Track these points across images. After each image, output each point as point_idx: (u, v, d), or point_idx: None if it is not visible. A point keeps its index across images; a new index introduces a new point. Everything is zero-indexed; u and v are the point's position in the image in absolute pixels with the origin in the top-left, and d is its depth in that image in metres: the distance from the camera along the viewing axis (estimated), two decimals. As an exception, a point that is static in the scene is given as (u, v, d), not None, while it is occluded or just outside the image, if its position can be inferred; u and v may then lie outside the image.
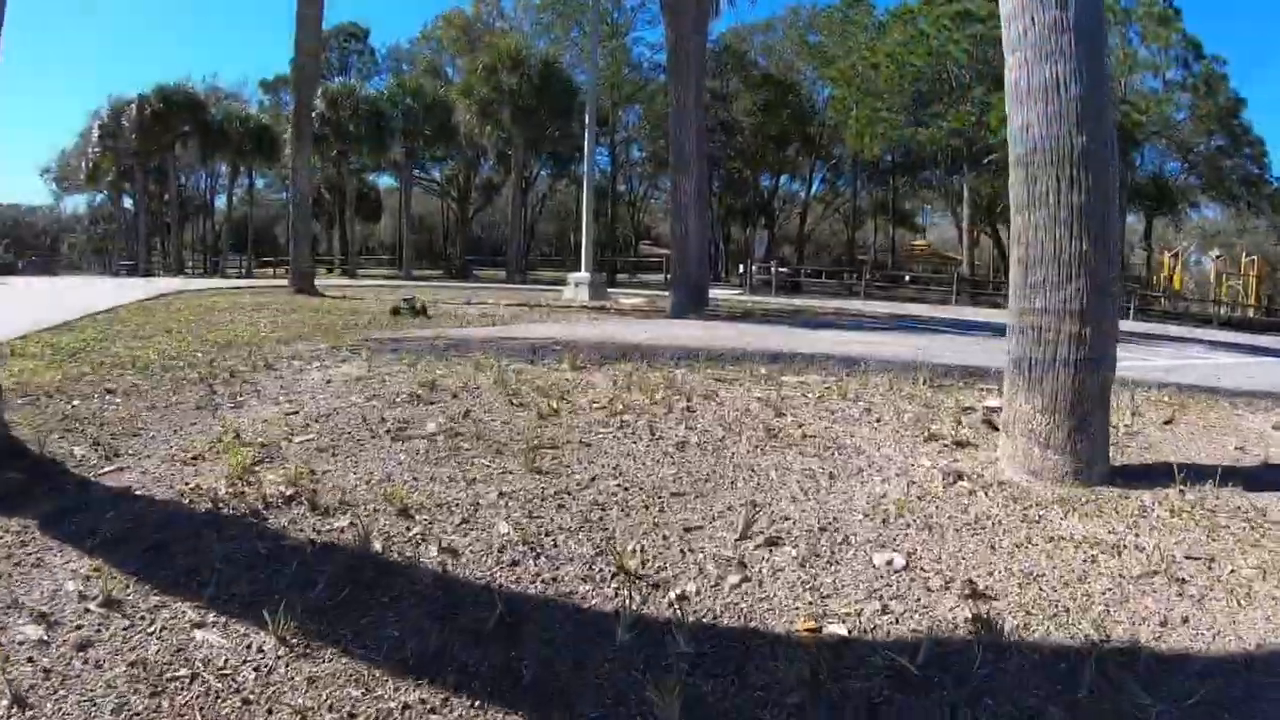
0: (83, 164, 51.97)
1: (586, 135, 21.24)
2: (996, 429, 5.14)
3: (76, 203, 67.73)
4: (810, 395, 5.94)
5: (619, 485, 3.86)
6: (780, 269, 39.50)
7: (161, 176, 50.85)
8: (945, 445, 4.69)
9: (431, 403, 5.52)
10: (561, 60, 41.35)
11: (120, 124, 46.41)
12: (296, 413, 5.18)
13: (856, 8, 47.56)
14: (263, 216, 56.35)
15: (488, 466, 4.10)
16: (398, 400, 5.56)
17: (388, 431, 4.75)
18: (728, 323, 12.59)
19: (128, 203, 55.03)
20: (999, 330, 14.55)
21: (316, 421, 4.94)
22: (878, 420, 5.23)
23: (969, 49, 36.35)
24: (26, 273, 45.52)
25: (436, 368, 6.88)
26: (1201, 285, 52.03)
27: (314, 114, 40.85)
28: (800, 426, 4.97)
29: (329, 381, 6.23)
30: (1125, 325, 22.47)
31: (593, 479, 3.94)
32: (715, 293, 20.82)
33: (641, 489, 3.83)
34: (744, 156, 52.36)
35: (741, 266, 42.06)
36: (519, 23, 53.84)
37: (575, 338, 8.38)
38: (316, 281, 21.43)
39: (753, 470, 4.14)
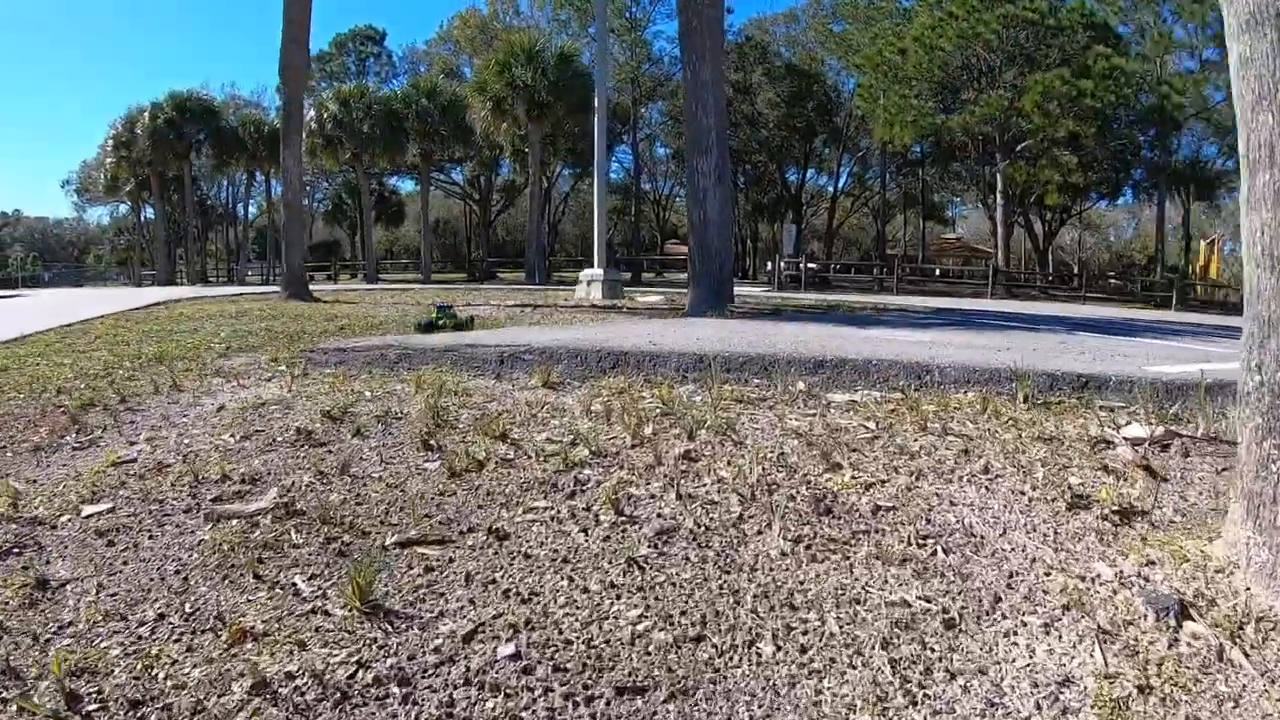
0: (101, 175, 51.46)
1: (596, 119, 19.38)
2: (1160, 477, 3.32)
3: (100, 214, 68.19)
4: (872, 424, 4.05)
5: (514, 659, 2.00)
6: (809, 265, 37.87)
7: (180, 185, 49.82)
8: (1107, 518, 2.81)
9: (321, 444, 3.90)
10: (579, 56, 39.54)
11: (134, 133, 45.70)
12: (133, 460, 3.74)
13: (881, -7, 46.14)
14: (284, 223, 55.16)
15: (295, 592, 2.31)
16: (278, 440, 3.99)
17: (216, 500, 3.14)
18: (754, 321, 10.57)
19: (149, 213, 54.23)
20: (1062, 323, 12.70)
21: (141, 478, 3.48)
22: (985, 470, 3.33)
23: (999, 30, 34.57)
24: (53, 284, 45.16)
25: (369, 387, 5.32)
26: (1237, 274, 50.31)
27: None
28: (868, 489, 3.09)
29: (222, 408, 4.82)
30: (1181, 317, 20.49)
31: (472, 633, 2.09)
32: (741, 290, 18.99)
33: (563, 670, 1.96)
34: (769, 150, 50.81)
35: (769, 264, 40.31)
36: (535, 21, 52.86)
37: (562, 343, 6.57)
38: (334, 286, 20.36)
39: (791, 607, 2.26)
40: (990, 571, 2.41)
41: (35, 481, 3.46)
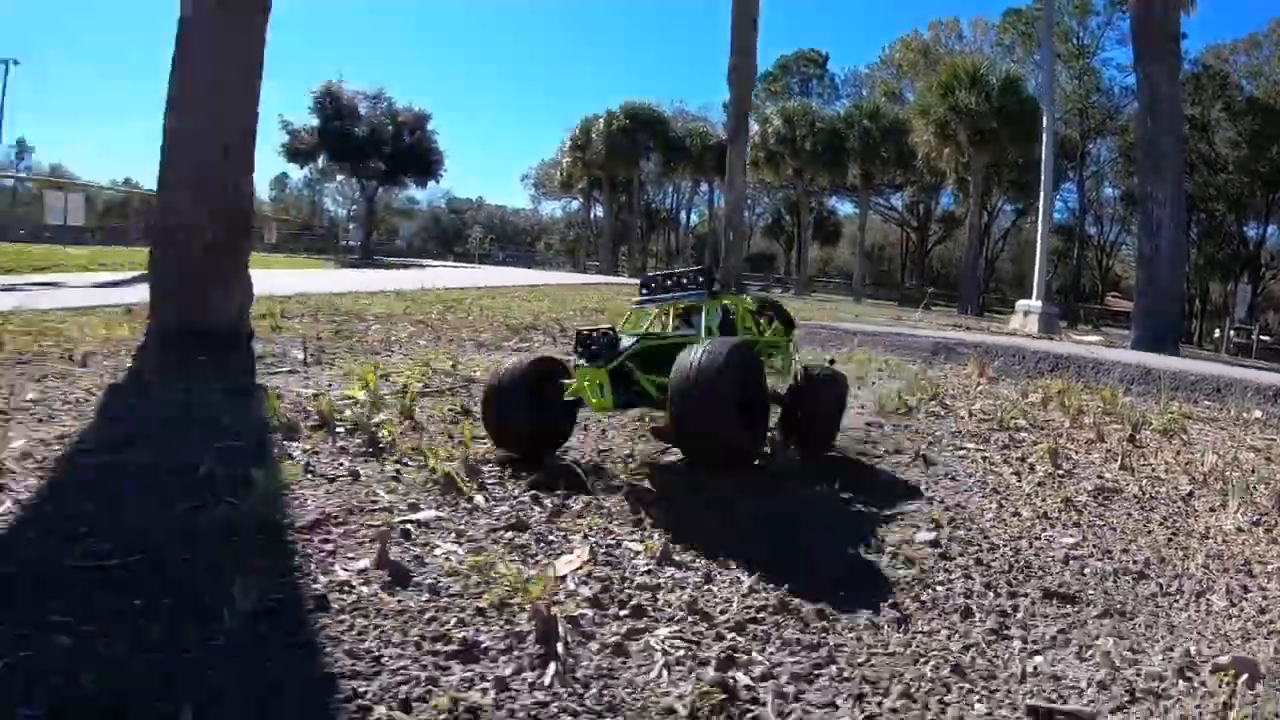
0: (556, 173, 57.29)
1: (1045, 139, 18.53)
2: None
3: (553, 208, 75.33)
4: (1352, 460, 3.76)
5: (931, 545, 2.30)
6: (1262, 336, 33.27)
7: (629, 188, 54.55)
8: None
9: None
10: (1024, 83, 37.57)
11: (589, 137, 50.31)
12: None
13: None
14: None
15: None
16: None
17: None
18: (1203, 363, 9.75)
19: (598, 211, 59.87)
20: None
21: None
22: None
23: None
24: (505, 264, 50.57)
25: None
26: None
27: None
28: (1345, 504, 2.98)
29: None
30: None
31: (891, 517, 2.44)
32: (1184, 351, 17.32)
33: (986, 566, 2.21)
34: (1226, 197, 45.01)
35: (1217, 331, 35.78)
36: (978, 45, 51.41)
37: (996, 343, 6.60)
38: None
39: (1249, 574, 2.28)
40: None
41: (473, 360, 4.81)
